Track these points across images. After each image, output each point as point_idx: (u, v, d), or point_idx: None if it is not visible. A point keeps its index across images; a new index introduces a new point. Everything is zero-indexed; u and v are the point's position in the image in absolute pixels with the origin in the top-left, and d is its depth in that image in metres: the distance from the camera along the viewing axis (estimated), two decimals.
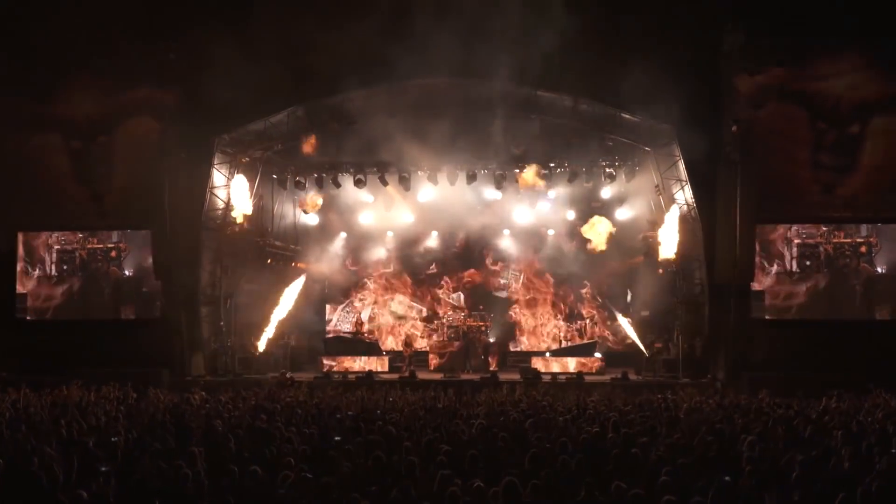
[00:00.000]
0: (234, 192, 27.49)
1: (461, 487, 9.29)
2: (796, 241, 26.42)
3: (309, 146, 28.26)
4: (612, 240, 29.40)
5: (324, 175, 29.76)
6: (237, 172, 27.78)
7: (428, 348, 31.08)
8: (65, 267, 28.26)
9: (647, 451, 11.48)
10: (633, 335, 28.93)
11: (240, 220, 27.56)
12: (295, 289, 30.06)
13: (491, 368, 28.69)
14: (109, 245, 28.25)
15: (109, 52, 26.40)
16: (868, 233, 26.36)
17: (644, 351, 28.07)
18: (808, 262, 26.42)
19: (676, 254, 26.51)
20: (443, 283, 33.29)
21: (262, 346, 28.60)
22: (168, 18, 25.85)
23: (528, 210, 31.24)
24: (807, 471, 9.95)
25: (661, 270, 28.53)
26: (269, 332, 28.83)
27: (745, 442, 11.91)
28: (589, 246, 29.41)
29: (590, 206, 30.96)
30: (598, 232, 28.95)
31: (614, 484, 9.28)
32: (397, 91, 27.01)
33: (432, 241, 32.82)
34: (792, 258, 26.41)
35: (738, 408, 17.23)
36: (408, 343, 31.00)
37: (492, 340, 30.86)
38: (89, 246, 28.19)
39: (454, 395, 19.83)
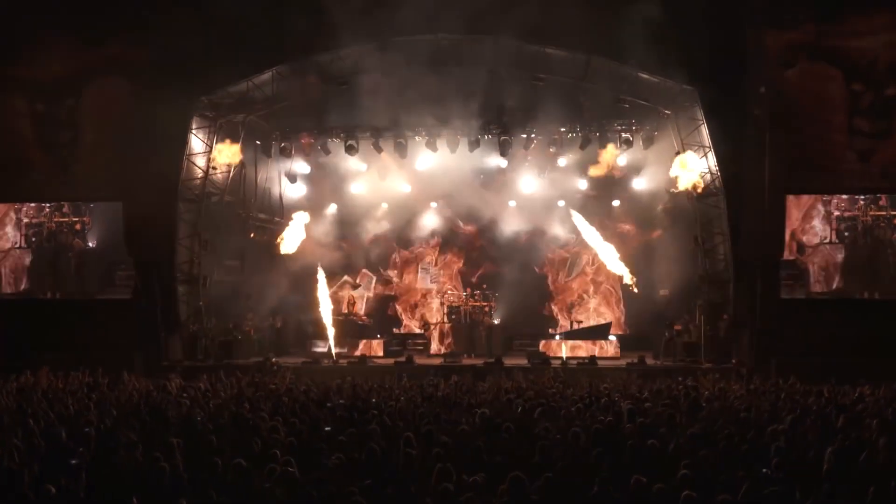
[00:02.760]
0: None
1: (462, 482, 9.34)
2: (835, 213, 26.37)
3: None
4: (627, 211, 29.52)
5: (311, 141, 29.65)
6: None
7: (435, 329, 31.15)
8: (34, 240, 28.30)
9: (665, 443, 11.54)
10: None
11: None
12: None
13: (495, 353, 28.75)
14: (74, 219, 28.24)
15: (77, 5, 26.27)
16: None
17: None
18: (846, 234, 26.37)
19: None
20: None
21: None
22: None
23: (536, 179, 31.15)
24: (839, 463, 10.01)
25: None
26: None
27: (772, 432, 11.97)
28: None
29: (604, 175, 30.95)
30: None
31: (634, 478, 9.33)
32: (393, 49, 26.86)
33: (431, 214, 32.76)
34: (831, 230, 26.34)
35: (765, 395, 17.31)
36: (426, 323, 30.96)
37: (496, 322, 30.86)
38: (56, 220, 28.19)
39: (455, 382, 19.91)
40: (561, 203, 31.56)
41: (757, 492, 9.12)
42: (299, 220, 29.56)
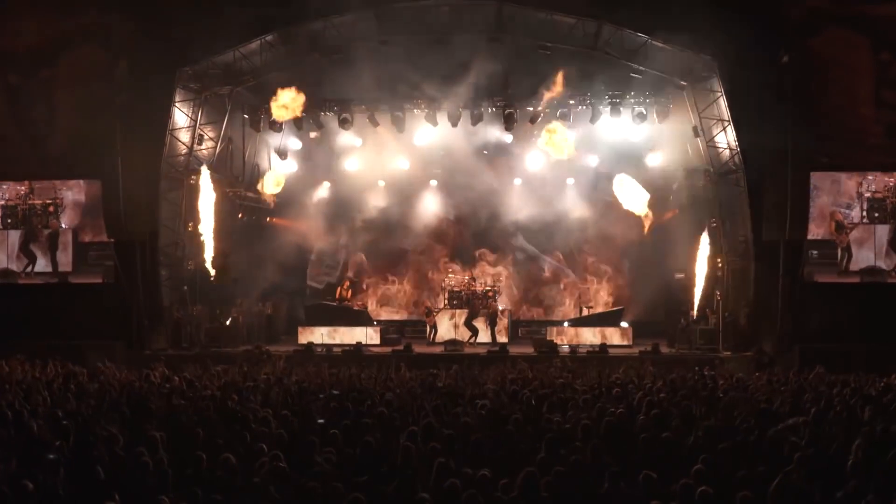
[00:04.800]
0: None
1: (464, 478, 9.36)
2: (866, 194, 26.29)
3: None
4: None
5: (303, 114, 29.58)
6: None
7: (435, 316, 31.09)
8: (9, 220, 28.30)
9: (681, 436, 11.56)
10: None
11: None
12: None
13: (500, 340, 28.78)
14: (48, 201, 28.21)
15: None
16: None
17: None
18: (876, 214, 26.31)
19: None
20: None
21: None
22: None
23: (543, 155, 31.05)
24: (865, 458, 10.02)
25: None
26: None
27: (794, 425, 11.98)
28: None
29: (616, 151, 30.89)
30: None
31: (643, 474, 9.35)
32: (389, 15, 26.83)
33: (430, 193, 32.71)
34: (862, 211, 26.28)
35: (788, 385, 17.32)
36: (429, 311, 30.95)
37: (501, 308, 30.83)
38: (31, 202, 28.18)
39: (457, 371, 19.93)
40: (570, 181, 31.54)
41: (779, 488, 9.14)
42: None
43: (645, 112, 28.43)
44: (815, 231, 26.15)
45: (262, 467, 9.86)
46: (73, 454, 10.70)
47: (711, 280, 27.91)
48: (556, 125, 28.50)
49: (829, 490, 9.16)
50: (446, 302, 31.12)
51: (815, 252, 26.14)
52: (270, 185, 30.06)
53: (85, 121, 26.81)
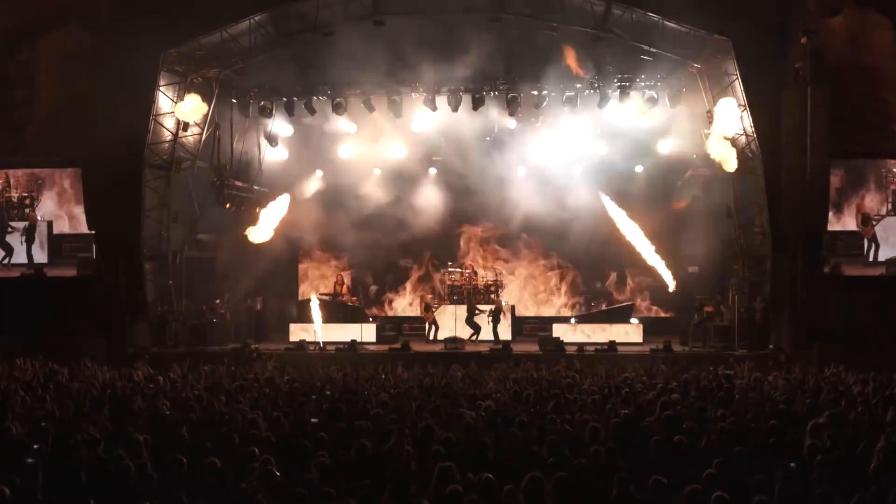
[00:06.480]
0: None
1: (466, 483, 9.35)
2: (892, 186, 26.31)
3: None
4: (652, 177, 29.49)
5: (295, 99, 29.52)
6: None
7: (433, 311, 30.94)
8: None
9: (694, 439, 11.56)
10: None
11: None
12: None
13: (503, 338, 28.74)
14: (24, 193, 28.23)
15: None
16: None
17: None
18: None
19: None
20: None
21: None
22: None
23: (548, 142, 30.96)
24: (888, 461, 10.03)
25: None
26: None
27: (814, 427, 11.99)
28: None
29: (626, 137, 30.82)
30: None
31: (652, 479, 9.34)
32: None
33: (429, 181, 32.64)
34: (888, 202, 26.31)
35: (807, 385, 17.33)
36: (427, 307, 30.86)
37: (504, 303, 30.74)
38: (7, 195, 28.21)
39: (458, 371, 19.93)
40: (577, 170, 31.44)
41: (795, 491, 9.15)
42: (280, 203, 29.76)
43: (656, 96, 28.36)
44: (841, 222, 26.17)
45: (251, 472, 9.86)
46: (52, 458, 10.71)
47: (726, 274, 27.90)
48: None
49: (850, 494, 9.16)
50: (446, 297, 31.05)
51: (841, 243, 26.17)
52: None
53: (64, 105, 26.78)
